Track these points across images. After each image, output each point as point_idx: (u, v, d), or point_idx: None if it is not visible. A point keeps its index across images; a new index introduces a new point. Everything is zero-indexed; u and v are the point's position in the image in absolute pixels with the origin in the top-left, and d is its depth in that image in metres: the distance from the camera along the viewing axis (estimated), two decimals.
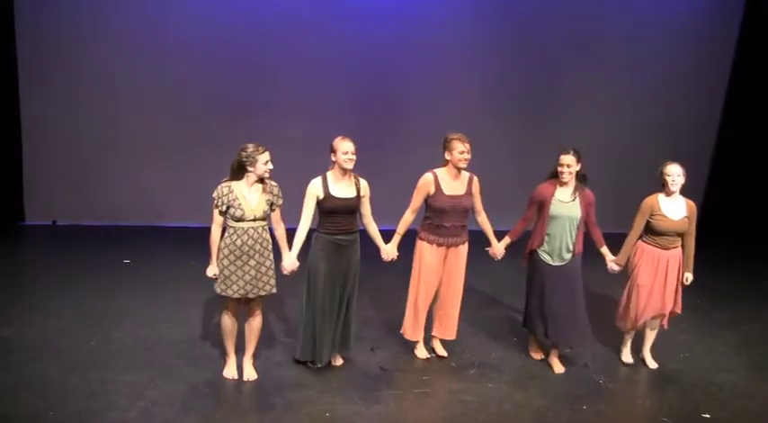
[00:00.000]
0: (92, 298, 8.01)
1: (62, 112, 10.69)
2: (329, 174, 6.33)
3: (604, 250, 6.98)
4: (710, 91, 12.17)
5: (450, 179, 6.62)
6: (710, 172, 12.48)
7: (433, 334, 7.14)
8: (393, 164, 10.65)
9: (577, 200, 6.69)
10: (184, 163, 10.99)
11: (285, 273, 6.31)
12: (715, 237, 12.06)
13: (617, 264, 6.95)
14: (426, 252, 6.74)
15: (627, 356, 7.21)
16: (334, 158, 6.28)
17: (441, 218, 6.64)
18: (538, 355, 7.18)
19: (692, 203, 6.84)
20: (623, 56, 11.83)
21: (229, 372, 6.42)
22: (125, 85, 10.74)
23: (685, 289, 7.02)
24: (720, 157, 12.41)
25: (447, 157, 6.58)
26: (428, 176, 6.63)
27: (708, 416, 6.29)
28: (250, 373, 6.41)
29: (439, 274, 6.82)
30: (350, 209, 6.36)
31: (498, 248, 6.96)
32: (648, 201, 6.79)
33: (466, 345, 7.37)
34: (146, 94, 10.82)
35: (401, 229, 6.75)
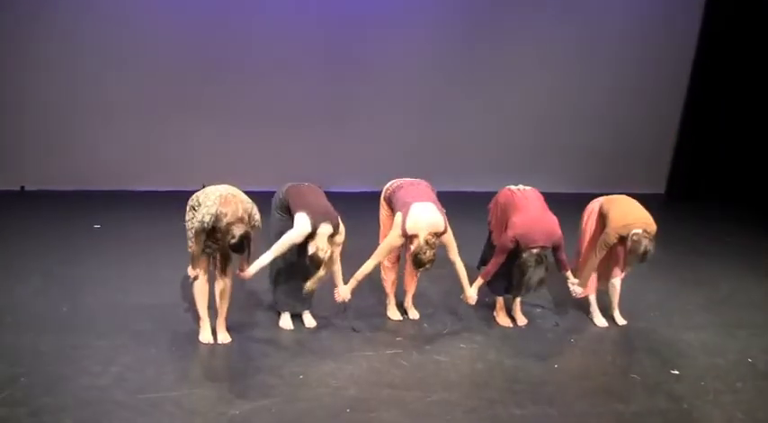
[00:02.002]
0: (62, 264, 7.95)
1: (29, 75, 10.51)
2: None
3: (568, 274, 6.88)
4: (679, 53, 12.19)
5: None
6: (678, 133, 12.54)
7: (405, 289, 7.20)
8: (363, 128, 10.63)
9: None
10: (154, 126, 10.89)
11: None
12: (681, 196, 12.17)
13: (581, 286, 6.92)
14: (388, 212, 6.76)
15: (599, 319, 7.26)
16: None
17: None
18: (505, 322, 7.19)
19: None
20: (592, 21, 11.82)
21: (204, 336, 6.40)
22: (93, 47, 10.57)
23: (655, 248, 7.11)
24: (688, 119, 12.47)
25: (410, 244, 6.37)
26: (399, 241, 6.43)
27: (677, 372, 6.38)
28: (224, 337, 6.41)
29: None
30: None
31: (471, 297, 6.78)
32: (609, 239, 6.75)
33: (438, 306, 7.41)
34: (114, 57, 10.66)
35: (360, 275, 6.53)
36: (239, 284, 6.60)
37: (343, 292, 6.55)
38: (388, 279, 7.09)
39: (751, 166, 12.27)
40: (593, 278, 7.10)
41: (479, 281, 6.82)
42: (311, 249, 6.07)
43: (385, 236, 6.67)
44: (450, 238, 6.52)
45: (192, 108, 10.71)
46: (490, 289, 7.10)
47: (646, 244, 6.50)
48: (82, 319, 6.66)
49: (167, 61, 10.77)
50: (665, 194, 12.21)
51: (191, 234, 6.02)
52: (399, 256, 6.99)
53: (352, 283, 6.55)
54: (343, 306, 6.96)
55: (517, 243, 6.48)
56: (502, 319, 7.18)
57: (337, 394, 5.69)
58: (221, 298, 6.39)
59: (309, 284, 6.23)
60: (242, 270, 6.24)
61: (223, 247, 5.93)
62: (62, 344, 6.14)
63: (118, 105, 10.83)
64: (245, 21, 10.85)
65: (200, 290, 6.31)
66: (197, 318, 6.47)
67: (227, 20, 10.79)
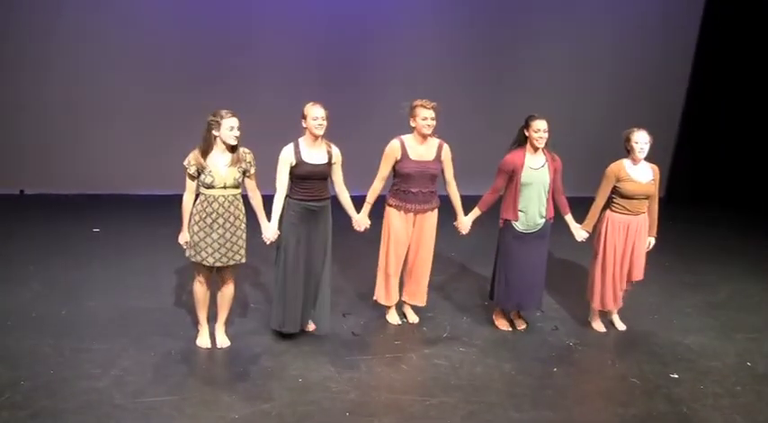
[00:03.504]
0: (62, 267, 7.97)
1: (29, 79, 10.55)
2: (301, 140, 6.32)
3: (569, 218, 6.98)
4: (679, 57, 12.22)
5: (417, 145, 6.62)
6: (678, 137, 12.57)
7: (403, 299, 7.17)
8: (363, 130, 10.62)
9: (547, 165, 6.72)
10: (154, 130, 10.91)
11: (268, 243, 6.33)
12: (682, 201, 12.19)
13: (584, 230, 6.98)
14: (395, 218, 6.75)
15: (599, 325, 7.26)
16: (305, 124, 6.27)
17: (408, 184, 6.64)
18: (504, 326, 7.19)
19: (656, 167, 6.86)
20: (592, 23, 11.85)
21: (202, 340, 6.41)
22: (93, 52, 10.61)
23: (654, 251, 7.09)
24: (688, 122, 12.49)
25: (412, 123, 6.59)
26: (394, 143, 6.63)
27: (676, 376, 6.38)
28: (223, 341, 6.41)
29: (408, 239, 6.83)
30: (321, 175, 6.34)
31: (464, 223, 6.91)
32: (614, 167, 6.78)
33: (437, 310, 7.41)
34: (115, 61, 10.70)
35: (371, 198, 6.75)
36: (238, 289, 6.59)
37: (361, 220, 6.72)
38: (391, 287, 7.07)
39: (751, 169, 12.28)
40: (602, 292, 7.06)
41: (476, 211, 6.91)
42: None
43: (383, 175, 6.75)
44: (450, 155, 6.75)
45: (192, 112, 10.68)
46: (497, 302, 7.10)
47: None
48: (81, 323, 6.67)
49: (168, 66, 10.80)
50: (666, 198, 12.21)
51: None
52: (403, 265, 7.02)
53: (366, 207, 6.74)
54: (343, 312, 6.98)
55: (513, 170, 6.67)
56: (501, 323, 7.18)
57: (337, 398, 5.69)
58: (222, 304, 6.39)
59: None
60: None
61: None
62: (62, 347, 6.16)
63: (118, 110, 10.86)
64: (245, 26, 10.88)
65: (201, 295, 6.33)
66: (196, 322, 6.48)
67: (227, 26, 10.82)
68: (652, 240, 7.01)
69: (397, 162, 6.62)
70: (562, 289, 7.96)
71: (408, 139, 6.64)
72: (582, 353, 6.82)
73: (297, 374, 5.99)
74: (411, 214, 6.75)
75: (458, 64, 11.60)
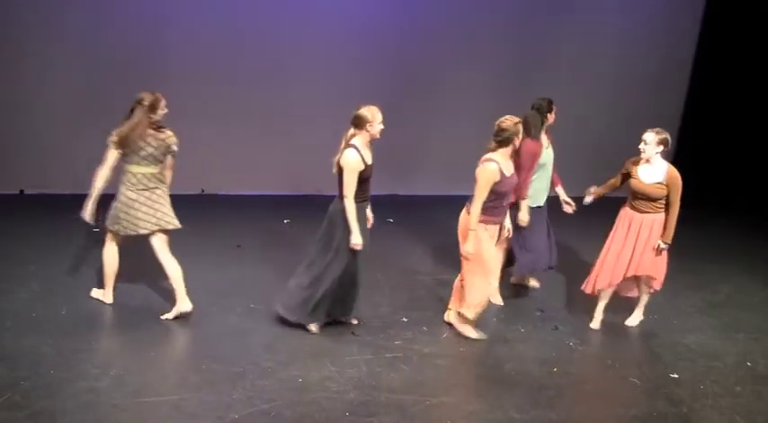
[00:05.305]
0: (61, 267, 7.95)
1: (29, 79, 10.52)
2: (358, 144, 6.31)
3: (559, 190, 7.43)
4: (680, 58, 12.23)
5: (505, 161, 6.54)
6: (680, 135, 12.55)
7: (450, 307, 7.15)
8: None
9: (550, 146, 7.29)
10: None
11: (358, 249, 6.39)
12: (683, 200, 12.16)
13: (568, 204, 7.49)
14: (485, 235, 6.64)
15: (595, 322, 7.25)
16: (368, 128, 6.27)
17: (502, 199, 6.61)
18: (498, 300, 7.58)
19: (674, 173, 6.82)
20: (594, 23, 11.84)
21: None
22: (93, 52, 10.58)
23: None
24: (690, 121, 12.48)
25: (516, 142, 6.52)
26: (493, 167, 6.43)
27: (676, 376, 6.39)
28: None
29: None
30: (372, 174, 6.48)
31: (523, 218, 7.26)
32: (631, 159, 6.96)
33: (437, 309, 7.40)
34: (114, 60, 10.66)
35: (476, 225, 6.51)
36: (238, 289, 6.57)
37: (469, 250, 6.54)
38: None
39: (752, 169, 12.26)
40: (594, 277, 7.06)
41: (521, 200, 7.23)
42: None
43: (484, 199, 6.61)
44: None
45: (193, 112, 10.72)
46: (522, 269, 7.73)
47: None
48: (81, 323, 6.66)
49: (168, 65, 10.76)
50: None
51: None
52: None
53: (473, 235, 6.50)
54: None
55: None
56: (496, 298, 7.53)
57: (336, 398, 5.69)
58: None
59: None
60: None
61: None
62: (61, 347, 6.15)
63: (118, 110, 10.80)
64: (245, 26, 10.84)
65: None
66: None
67: (226, 25, 10.79)
68: (661, 244, 6.97)
69: (495, 183, 6.49)
70: (562, 289, 7.96)
71: (498, 157, 6.50)
72: (582, 353, 6.83)
73: (297, 374, 5.99)
74: (496, 227, 6.74)
75: (454, 65, 11.58)
